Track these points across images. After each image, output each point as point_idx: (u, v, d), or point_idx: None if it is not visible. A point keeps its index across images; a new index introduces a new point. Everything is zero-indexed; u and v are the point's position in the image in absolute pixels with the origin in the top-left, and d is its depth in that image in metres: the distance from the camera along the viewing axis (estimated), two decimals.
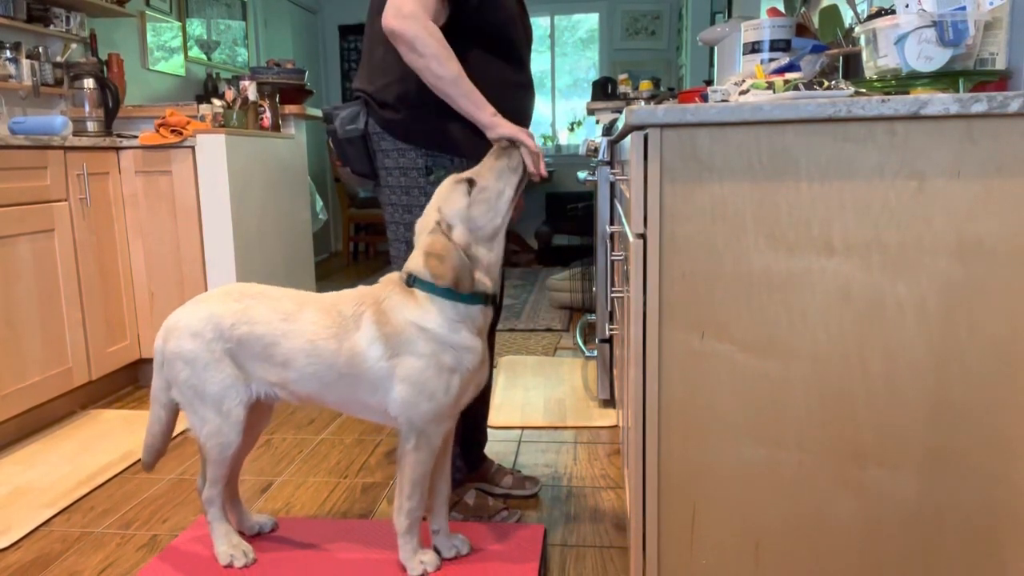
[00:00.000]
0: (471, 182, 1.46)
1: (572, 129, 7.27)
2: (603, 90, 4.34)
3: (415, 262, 1.47)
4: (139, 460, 2.29)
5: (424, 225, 1.48)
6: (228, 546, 1.59)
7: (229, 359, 1.50)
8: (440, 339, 1.43)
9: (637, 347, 1.23)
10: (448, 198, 1.46)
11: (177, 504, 2.03)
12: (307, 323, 1.47)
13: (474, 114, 1.56)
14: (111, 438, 2.49)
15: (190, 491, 2.10)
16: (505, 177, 1.48)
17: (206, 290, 2.98)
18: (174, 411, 1.58)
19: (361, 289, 1.53)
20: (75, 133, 2.97)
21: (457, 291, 1.42)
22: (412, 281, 1.47)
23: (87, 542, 1.84)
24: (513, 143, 1.51)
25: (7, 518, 1.95)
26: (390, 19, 1.51)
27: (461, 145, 1.67)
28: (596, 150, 2.69)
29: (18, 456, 2.35)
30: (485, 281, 1.46)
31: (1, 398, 2.34)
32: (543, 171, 1.55)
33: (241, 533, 1.68)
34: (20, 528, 1.89)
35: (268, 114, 3.38)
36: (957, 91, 1.25)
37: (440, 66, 1.52)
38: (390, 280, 1.51)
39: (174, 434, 1.68)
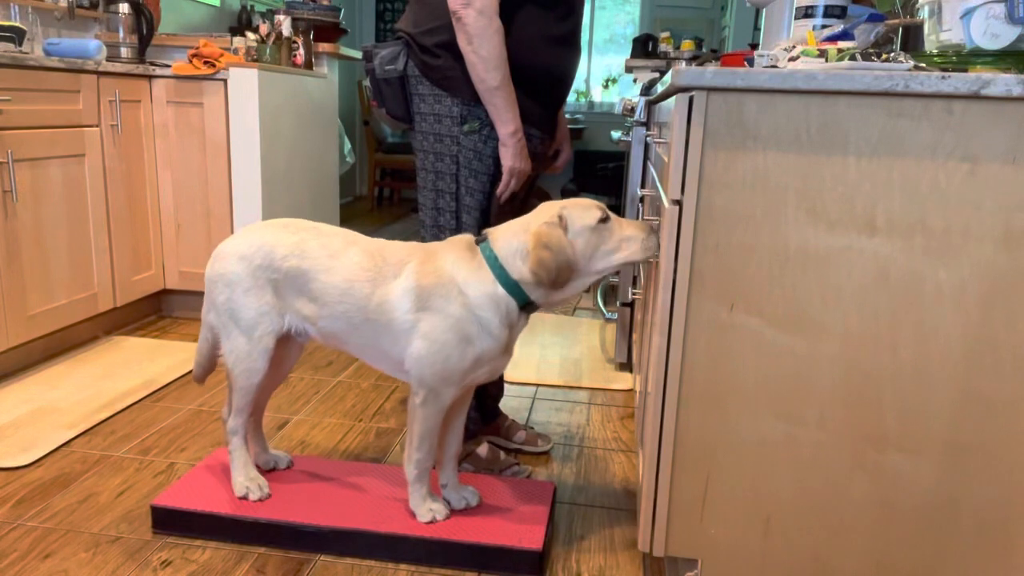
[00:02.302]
0: (607, 218, 1.41)
1: (607, 86, 7.13)
2: (643, 47, 4.23)
3: (503, 234, 1.43)
4: (160, 388, 2.34)
5: (539, 212, 1.44)
6: (245, 478, 1.62)
7: (271, 288, 1.52)
8: (471, 307, 1.42)
9: (663, 315, 1.22)
10: (581, 207, 1.41)
11: (195, 434, 2.07)
12: (348, 262, 1.48)
13: (498, 124, 1.61)
14: (133, 365, 2.53)
15: (209, 422, 2.13)
16: (631, 246, 1.40)
17: (232, 225, 2.99)
18: (217, 334, 1.61)
19: (417, 243, 1.53)
20: (109, 58, 2.95)
21: (553, 288, 1.39)
22: (482, 242, 1.44)
23: (106, 465, 1.88)
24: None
25: (30, 436, 2.00)
26: (458, 4, 1.50)
27: None
28: (632, 110, 2.64)
29: (43, 376, 2.40)
30: (550, 294, 1.44)
31: (29, 318, 2.39)
32: (503, 195, 1.67)
33: (256, 467, 1.71)
34: (42, 447, 1.94)
35: (301, 51, 3.33)
36: (1021, 72, 1.19)
37: (488, 72, 1.55)
38: (461, 239, 1.48)
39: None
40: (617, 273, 2.86)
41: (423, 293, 1.43)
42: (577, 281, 1.43)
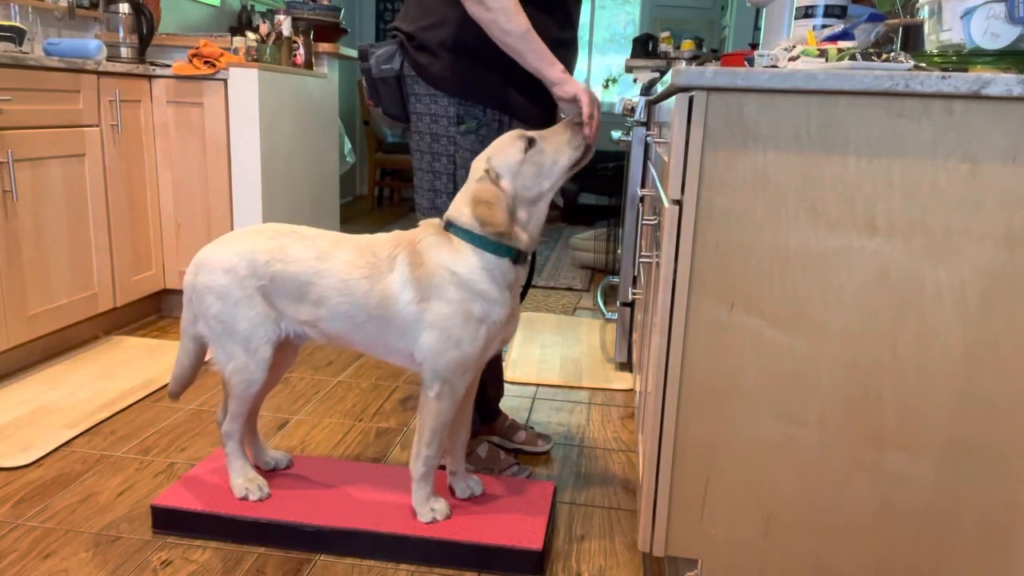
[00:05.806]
0: (532, 141, 1.44)
1: (607, 86, 7.13)
2: (644, 47, 4.23)
3: (456, 209, 1.47)
4: (160, 388, 2.34)
5: (472, 173, 1.48)
6: (244, 479, 1.62)
7: (261, 297, 1.51)
8: (469, 286, 1.43)
9: (663, 315, 1.22)
10: (503, 150, 1.45)
11: (195, 434, 2.06)
12: (341, 262, 1.48)
13: (542, 70, 1.54)
14: (133, 365, 2.53)
15: (209, 422, 2.13)
16: (564, 151, 1.45)
17: (232, 225, 2.99)
18: (203, 344, 1.60)
19: (398, 232, 1.53)
20: (109, 58, 2.95)
21: (502, 240, 1.42)
22: (449, 226, 1.47)
23: (106, 464, 1.88)
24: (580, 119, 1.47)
25: (30, 436, 2.00)
26: None
27: (494, 96, 1.63)
28: (632, 110, 2.64)
29: (43, 376, 2.40)
30: (522, 236, 1.45)
31: (29, 318, 2.38)
32: (590, 139, 1.53)
33: (257, 467, 1.71)
34: (42, 447, 1.94)
35: (301, 51, 3.33)
36: (1021, 72, 1.19)
37: (508, 21, 1.49)
38: (429, 224, 1.51)
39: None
40: (617, 273, 2.86)
41: (421, 284, 1.44)
42: (536, 207, 1.46)
